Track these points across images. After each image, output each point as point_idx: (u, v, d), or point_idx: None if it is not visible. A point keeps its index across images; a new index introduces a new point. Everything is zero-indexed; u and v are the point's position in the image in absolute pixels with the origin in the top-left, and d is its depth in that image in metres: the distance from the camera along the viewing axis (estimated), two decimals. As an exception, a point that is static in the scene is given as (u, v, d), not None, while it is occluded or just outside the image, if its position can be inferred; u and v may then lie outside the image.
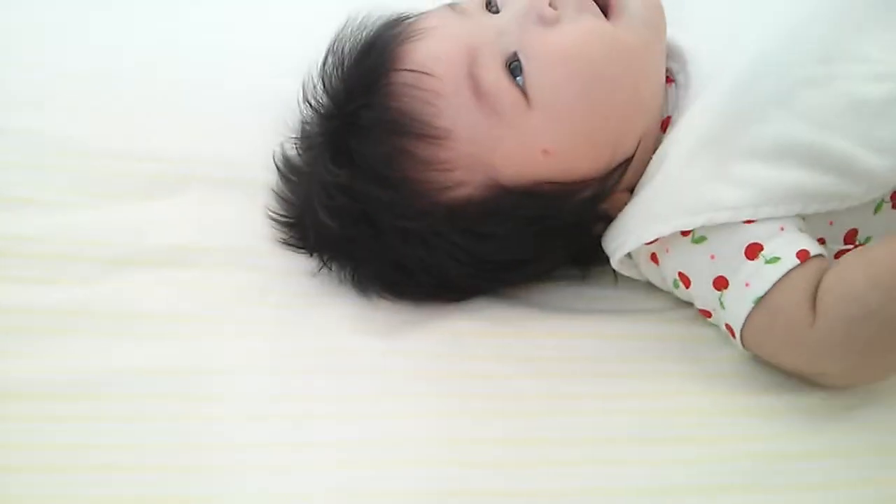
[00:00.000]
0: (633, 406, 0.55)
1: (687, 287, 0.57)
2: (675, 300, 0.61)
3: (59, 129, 0.69)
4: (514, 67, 0.56)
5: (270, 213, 0.64)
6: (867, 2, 0.59)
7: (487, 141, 0.56)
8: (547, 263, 0.61)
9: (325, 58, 0.60)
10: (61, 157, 0.67)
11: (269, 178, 0.65)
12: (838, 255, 0.58)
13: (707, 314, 0.57)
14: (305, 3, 0.83)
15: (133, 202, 0.66)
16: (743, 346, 0.55)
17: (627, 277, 0.61)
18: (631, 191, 0.59)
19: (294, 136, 0.63)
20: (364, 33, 0.60)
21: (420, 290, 0.60)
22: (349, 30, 0.60)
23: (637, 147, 0.57)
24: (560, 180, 0.56)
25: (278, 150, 0.65)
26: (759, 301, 0.53)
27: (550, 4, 0.57)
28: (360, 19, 0.61)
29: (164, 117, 0.72)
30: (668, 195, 0.56)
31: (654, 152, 0.58)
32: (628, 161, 0.57)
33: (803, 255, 0.53)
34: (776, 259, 0.53)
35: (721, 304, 0.55)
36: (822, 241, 0.57)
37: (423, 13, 0.61)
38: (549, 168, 0.56)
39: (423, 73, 0.55)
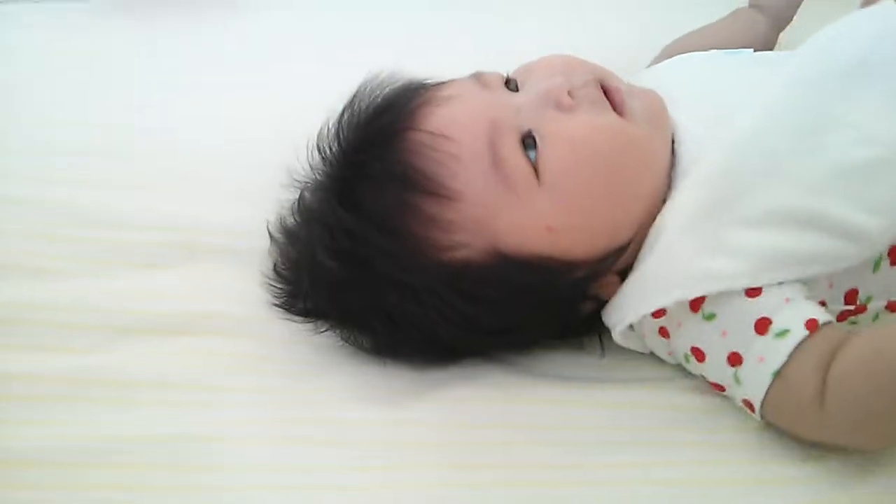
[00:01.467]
0: (642, 476, 0.54)
1: (700, 361, 0.57)
2: (675, 368, 0.60)
3: (66, 199, 0.70)
4: (527, 144, 0.58)
5: (269, 259, 0.64)
6: (847, 68, 0.59)
7: (495, 209, 0.57)
8: (533, 334, 0.62)
9: (342, 112, 0.62)
10: (68, 226, 0.68)
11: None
12: (841, 316, 0.59)
13: (720, 388, 0.57)
14: (310, 74, 0.85)
15: (138, 271, 0.66)
16: (762, 418, 0.55)
17: (617, 348, 0.61)
18: (621, 274, 0.60)
19: (300, 183, 0.64)
20: (383, 92, 0.62)
21: (408, 345, 0.60)
22: (367, 88, 0.62)
23: (633, 236, 0.59)
24: (558, 258, 0.57)
25: (285, 203, 0.66)
26: (777, 374, 0.53)
27: (569, 93, 0.59)
28: (378, 80, 0.62)
29: (170, 187, 0.73)
30: (665, 268, 0.57)
31: (646, 232, 0.59)
32: (624, 248, 0.58)
33: (812, 325, 0.53)
34: (786, 332, 0.53)
35: (737, 379, 0.55)
36: (822, 304, 0.57)
37: (445, 81, 0.63)
38: (550, 245, 0.57)
39: (442, 135, 0.57)
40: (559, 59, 0.63)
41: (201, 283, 0.66)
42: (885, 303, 0.59)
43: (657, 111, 0.62)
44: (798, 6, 0.85)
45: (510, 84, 0.62)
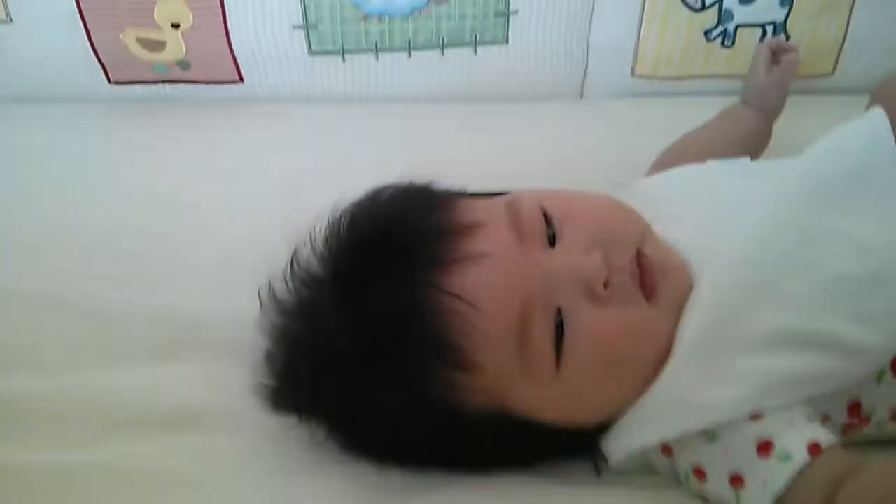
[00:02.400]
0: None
1: (701, 480, 0.56)
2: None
3: (62, 291, 0.71)
4: (556, 325, 0.56)
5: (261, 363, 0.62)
6: (839, 182, 0.60)
7: (511, 385, 0.56)
8: (522, 464, 0.60)
9: (353, 220, 0.59)
10: (65, 319, 0.69)
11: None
12: (844, 429, 0.58)
13: None
14: (324, 170, 0.85)
15: (136, 365, 0.66)
16: None
17: None
18: None
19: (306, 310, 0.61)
20: (402, 207, 0.59)
21: (394, 455, 0.59)
22: (384, 194, 0.60)
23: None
24: (560, 427, 0.58)
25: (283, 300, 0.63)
26: (779, 499, 0.52)
27: (605, 285, 0.56)
28: (395, 187, 0.61)
29: (168, 280, 0.73)
30: (668, 399, 0.56)
31: None
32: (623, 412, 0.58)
33: (815, 450, 0.52)
34: (788, 457, 0.52)
35: (738, 501, 0.54)
36: (826, 418, 0.56)
37: (474, 204, 0.59)
38: (554, 419, 0.57)
39: (472, 305, 0.53)
40: (603, 215, 0.60)
41: (201, 377, 0.65)
42: (888, 414, 0.58)
43: (683, 292, 0.59)
44: (786, 97, 0.87)
45: (548, 226, 0.58)
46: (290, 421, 0.61)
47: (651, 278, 0.58)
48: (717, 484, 0.55)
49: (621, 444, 0.58)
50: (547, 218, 0.59)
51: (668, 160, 0.81)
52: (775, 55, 0.88)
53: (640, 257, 0.58)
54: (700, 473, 0.56)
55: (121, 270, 0.74)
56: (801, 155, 0.64)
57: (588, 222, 0.59)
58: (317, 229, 0.62)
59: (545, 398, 0.57)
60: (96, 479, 0.58)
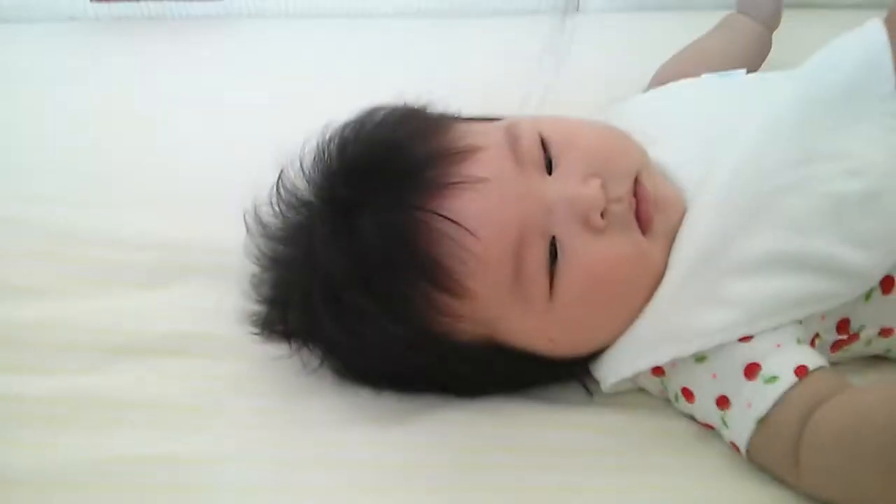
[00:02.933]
0: (630, 501, 0.54)
1: (690, 402, 0.57)
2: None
3: (60, 218, 0.71)
4: (551, 252, 0.56)
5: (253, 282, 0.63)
6: (834, 98, 0.59)
7: (503, 313, 0.56)
8: (517, 389, 0.61)
9: (345, 139, 0.59)
10: (60, 246, 0.68)
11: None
12: (834, 345, 0.59)
13: (708, 427, 0.57)
14: (308, 92, 0.85)
15: (131, 291, 0.66)
16: (750, 460, 0.55)
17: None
18: None
19: (294, 203, 0.61)
20: (397, 122, 0.58)
21: (383, 378, 0.60)
22: (378, 117, 0.59)
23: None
24: (554, 357, 0.58)
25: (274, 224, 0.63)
26: (761, 422, 0.53)
27: (602, 214, 0.56)
28: (389, 113, 0.60)
29: (163, 206, 0.73)
30: (662, 324, 0.57)
31: None
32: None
33: (802, 371, 0.53)
34: (774, 378, 0.53)
35: (724, 422, 0.55)
36: (816, 336, 0.57)
37: (472, 128, 0.59)
38: (548, 349, 0.58)
39: (468, 231, 0.53)
40: (601, 144, 0.59)
41: (194, 303, 0.66)
42: (877, 330, 0.59)
43: (677, 223, 0.58)
44: (781, 4, 0.85)
45: (546, 151, 0.58)
46: (281, 348, 0.62)
47: (647, 210, 0.57)
48: (705, 405, 0.56)
49: (613, 370, 0.58)
50: (545, 144, 0.58)
51: (666, 74, 0.80)
52: None
53: (637, 187, 0.58)
54: (689, 394, 0.57)
55: (102, 195, 0.74)
56: (797, 69, 0.63)
57: (586, 150, 0.58)
58: (304, 152, 0.61)
59: (537, 329, 0.57)
60: (94, 407, 0.58)
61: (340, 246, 0.55)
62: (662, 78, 0.79)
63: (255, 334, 0.62)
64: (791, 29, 0.86)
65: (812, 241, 0.55)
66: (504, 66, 0.89)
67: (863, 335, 0.59)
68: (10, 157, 0.78)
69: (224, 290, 0.66)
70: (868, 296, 0.57)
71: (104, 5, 0.97)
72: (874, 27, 0.62)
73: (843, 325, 0.58)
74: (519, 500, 0.54)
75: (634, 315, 0.57)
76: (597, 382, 0.60)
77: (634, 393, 0.61)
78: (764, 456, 0.54)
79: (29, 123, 0.83)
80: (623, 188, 0.57)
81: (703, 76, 0.71)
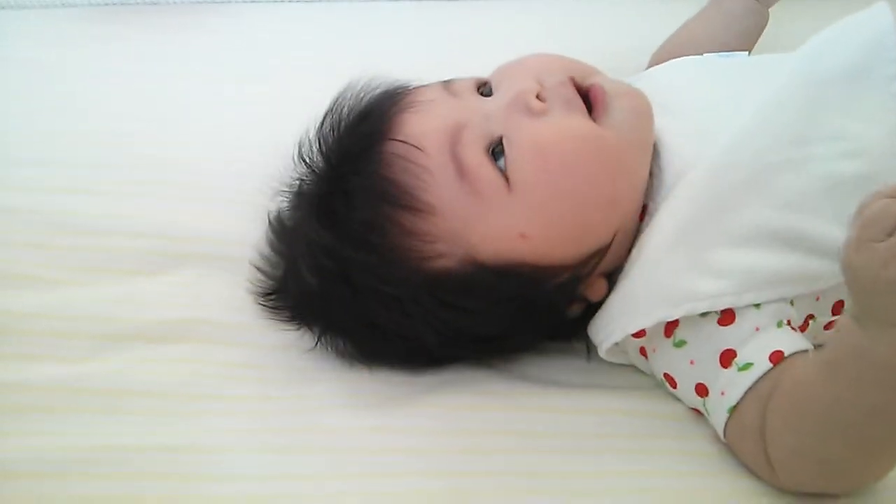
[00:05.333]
0: (624, 485, 0.54)
1: (673, 388, 0.58)
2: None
3: (57, 207, 0.70)
4: (496, 151, 0.57)
5: (255, 268, 0.64)
6: (837, 78, 0.59)
7: (468, 219, 0.57)
8: (522, 340, 0.62)
9: (323, 118, 0.62)
10: (57, 235, 0.68)
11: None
12: (828, 326, 0.59)
13: (696, 411, 0.57)
14: (303, 80, 0.84)
15: (129, 279, 0.66)
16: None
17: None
18: (608, 276, 0.60)
19: (285, 192, 0.64)
20: (363, 98, 0.61)
21: (392, 354, 0.60)
22: (349, 94, 0.62)
23: (613, 238, 0.58)
24: (535, 264, 0.57)
25: (272, 210, 0.65)
26: (733, 410, 0.53)
27: (538, 96, 0.58)
28: (360, 85, 0.62)
29: (160, 195, 0.72)
30: (648, 286, 0.57)
31: (632, 241, 0.59)
32: (604, 250, 0.58)
33: (777, 357, 0.53)
34: (748, 365, 0.53)
35: (705, 409, 0.55)
36: (811, 317, 0.57)
37: (418, 86, 0.63)
38: (525, 251, 0.57)
39: (413, 146, 0.57)
40: (535, 59, 0.62)
41: (191, 290, 0.65)
42: None
43: (641, 113, 0.60)
44: None
45: (484, 88, 0.61)
46: (283, 333, 0.62)
47: (598, 94, 0.59)
48: (686, 391, 0.56)
49: (607, 331, 0.58)
50: (483, 81, 0.61)
51: (667, 50, 0.80)
52: None
53: (585, 85, 0.59)
54: (671, 381, 0.57)
55: (95, 184, 0.73)
56: (800, 49, 0.63)
57: (521, 71, 0.61)
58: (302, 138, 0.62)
59: (505, 226, 0.57)
60: (92, 395, 0.58)
61: (313, 184, 0.60)
62: (664, 54, 0.79)
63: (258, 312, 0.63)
64: (793, 16, 0.85)
65: (805, 219, 0.55)
66: (499, 50, 0.88)
67: None
68: (2, 145, 0.78)
69: (219, 278, 0.66)
70: None
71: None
72: (881, 9, 0.61)
73: (838, 307, 0.58)
74: (521, 485, 0.54)
75: (613, 219, 0.57)
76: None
77: (638, 377, 0.61)
78: (739, 448, 0.54)
79: (21, 111, 0.82)
80: (559, 79, 0.59)
81: (705, 55, 0.71)
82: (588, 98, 0.59)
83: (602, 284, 0.59)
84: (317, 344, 0.62)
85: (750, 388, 0.52)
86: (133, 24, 0.95)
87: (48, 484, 0.52)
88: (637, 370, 0.61)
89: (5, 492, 0.52)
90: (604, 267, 0.59)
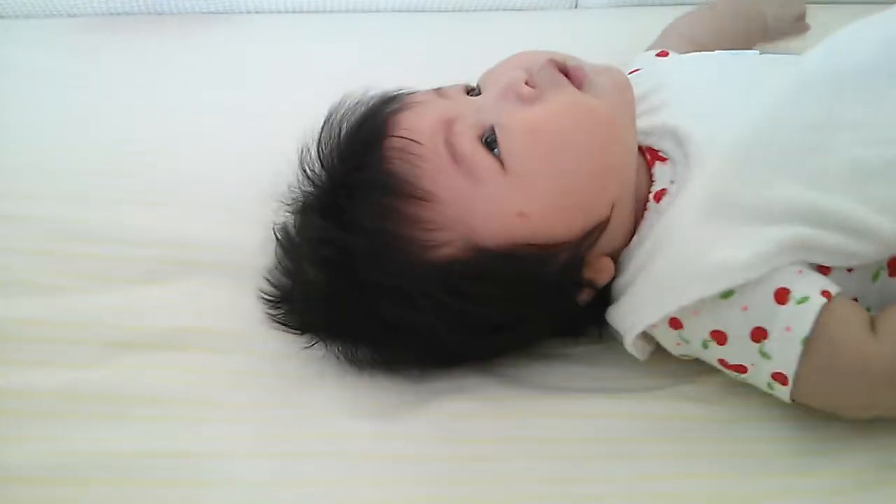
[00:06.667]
0: (628, 490, 0.54)
1: (721, 344, 0.57)
2: (664, 378, 0.61)
3: (60, 215, 0.70)
4: (489, 141, 0.58)
5: (264, 279, 0.65)
6: (859, 71, 0.60)
7: (466, 203, 0.57)
8: (531, 331, 0.62)
9: (321, 129, 0.62)
10: (62, 242, 0.68)
11: (266, 263, 0.66)
12: None
13: (741, 369, 0.57)
14: (306, 88, 0.82)
15: (132, 287, 0.66)
16: (792, 395, 0.55)
17: (609, 349, 0.62)
18: (612, 257, 0.60)
19: (288, 202, 0.64)
20: (359, 108, 0.62)
21: (406, 353, 0.60)
22: (345, 104, 0.63)
23: (612, 212, 0.59)
24: (536, 243, 0.57)
25: (279, 221, 0.66)
26: (807, 341, 0.53)
27: (527, 83, 0.60)
28: (355, 96, 0.63)
29: (164, 203, 0.72)
30: (680, 265, 0.56)
31: (631, 218, 0.60)
32: (603, 225, 0.58)
33: (827, 294, 0.54)
34: (806, 299, 0.54)
35: (763, 354, 0.55)
36: None
37: (410, 93, 0.64)
38: (525, 231, 0.57)
39: (409, 138, 0.58)
40: (517, 57, 0.64)
41: (193, 298, 0.66)
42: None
43: (621, 86, 0.62)
44: None
45: (473, 91, 0.63)
46: (286, 340, 0.62)
47: (575, 74, 0.61)
48: (739, 342, 0.56)
49: (638, 316, 0.58)
50: (472, 87, 0.63)
51: (674, 35, 0.82)
52: None
53: (566, 66, 0.61)
54: (720, 335, 0.57)
55: (100, 192, 0.73)
56: (817, 46, 0.63)
57: (506, 67, 0.63)
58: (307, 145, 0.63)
59: (504, 206, 0.57)
60: (96, 401, 0.58)
61: (321, 181, 0.61)
62: (673, 35, 0.81)
63: (269, 308, 0.64)
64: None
65: (830, 198, 0.55)
66: (492, 62, 0.88)
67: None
68: (7, 154, 0.78)
69: (222, 286, 0.66)
70: (876, 276, 0.57)
71: (103, 1, 0.96)
72: None
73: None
74: (519, 492, 0.54)
75: (605, 188, 0.58)
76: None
77: (641, 381, 0.61)
78: (818, 376, 0.54)
79: (27, 120, 0.82)
80: (540, 64, 0.60)
81: (717, 52, 0.72)
82: (569, 77, 0.61)
83: (608, 265, 0.60)
84: (318, 345, 0.62)
85: (821, 316, 0.53)
86: (138, 33, 0.95)
87: (52, 489, 0.53)
88: (639, 374, 0.61)
89: (7, 497, 0.52)
90: (607, 245, 0.59)
